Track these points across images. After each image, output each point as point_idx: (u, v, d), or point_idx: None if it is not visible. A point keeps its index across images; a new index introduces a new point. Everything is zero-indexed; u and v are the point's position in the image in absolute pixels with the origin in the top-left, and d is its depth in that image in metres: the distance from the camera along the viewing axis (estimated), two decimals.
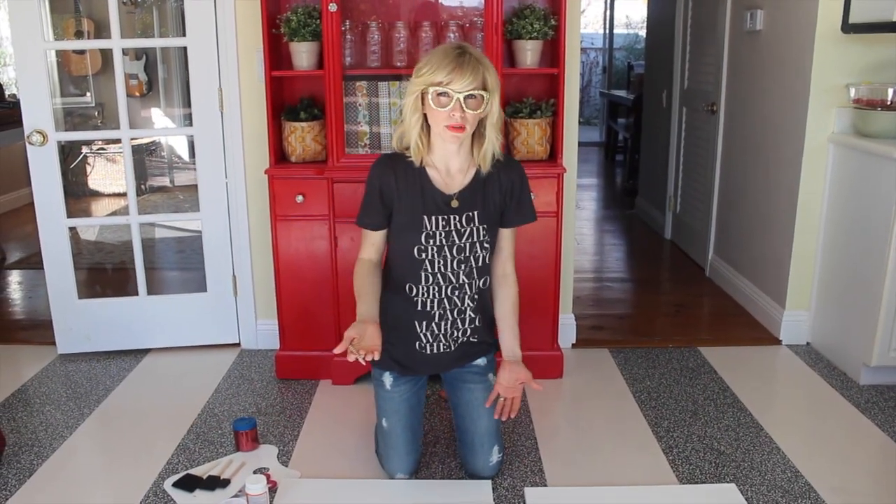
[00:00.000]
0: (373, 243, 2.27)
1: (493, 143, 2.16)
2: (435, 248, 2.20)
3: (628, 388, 3.05)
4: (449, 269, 2.22)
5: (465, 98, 2.04)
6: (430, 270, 2.21)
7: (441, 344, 2.30)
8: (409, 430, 2.36)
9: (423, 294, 2.24)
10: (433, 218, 2.19)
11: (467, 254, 2.22)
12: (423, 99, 2.09)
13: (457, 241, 2.21)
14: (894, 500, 2.29)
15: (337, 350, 2.01)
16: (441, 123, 2.08)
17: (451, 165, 2.21)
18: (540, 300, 2.99)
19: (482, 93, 2.05)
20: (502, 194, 2.25)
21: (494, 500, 2.29)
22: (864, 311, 3.01)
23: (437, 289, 2.23)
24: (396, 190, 2.19)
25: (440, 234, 2.19)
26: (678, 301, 4.13)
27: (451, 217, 2.20)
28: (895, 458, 2.54)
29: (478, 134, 2.17)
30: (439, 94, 2.05)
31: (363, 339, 2.04)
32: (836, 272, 3.24)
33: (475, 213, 2.21)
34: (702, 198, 4.62)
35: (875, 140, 2.99)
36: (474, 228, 2.21)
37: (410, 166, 2.19)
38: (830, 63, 3.17)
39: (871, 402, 2.91)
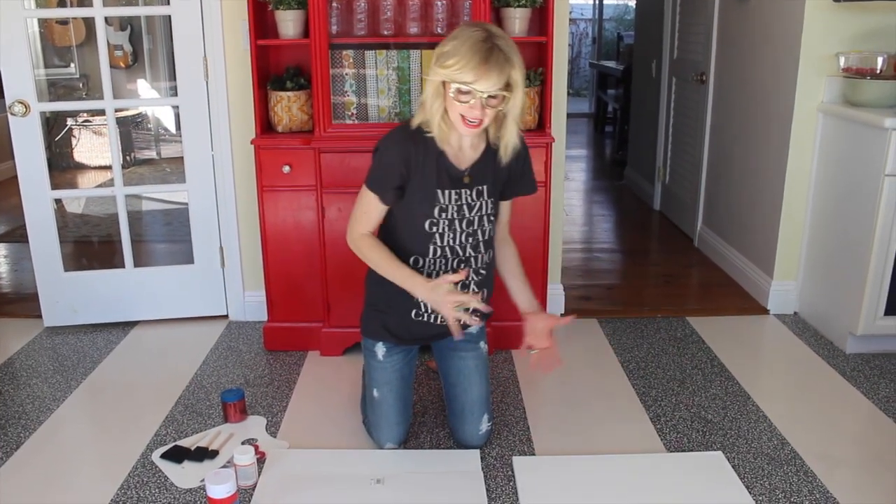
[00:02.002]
0: (376, 219, 2.23)
1: (514, 136, 2.14)
2: (446, 222, 2.19)
3: (616, 358, 3.06)
4: (457, 243, 2.22)
5: (488, 97, 2.00)
6: (438, 243, 2.21)
7: (439, 316, 2.27)
8: (400, 401, 2.36)
9: (428, 266, 2.23)
10: (446, 192, 2.17)
11: (475, 227, 2.22)
12: (444, 85, 2.03)
13: (467, 215, 2.20)
14: (879, 466, 2.32)
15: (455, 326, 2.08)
16: (457, 113, 2.03)
17: (463, 142, 2.18)
18: (528, 270, 2.94)
19: (505, 93, 2.01)
20: (508, 169, 2.24)
21: (483, 469, 2.30)
22: (851, 281, 3.02)
23: (443, 261, 2.23)
24: (416, 162, 2.15)
25: (452, 208, 2.19)
26: (667, 271, 4.13)
27: (463, 191, 2.19)
28: (880, 425, 2.56)
29: (496, 119, 2.12)
30: (462, 92, 1.99)
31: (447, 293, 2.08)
32: (824, 242, 3.25)
33: (485, 187, 2.21)
34: (691, 168, 4.61)
35: (864, 109, 2.99)
36: (483, 202, 2.22)
37: (427, 141, 2.14)
38: (820, 31, 3.15)
39: (856, 370, 2.93)
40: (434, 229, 2.19)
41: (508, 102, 2.04)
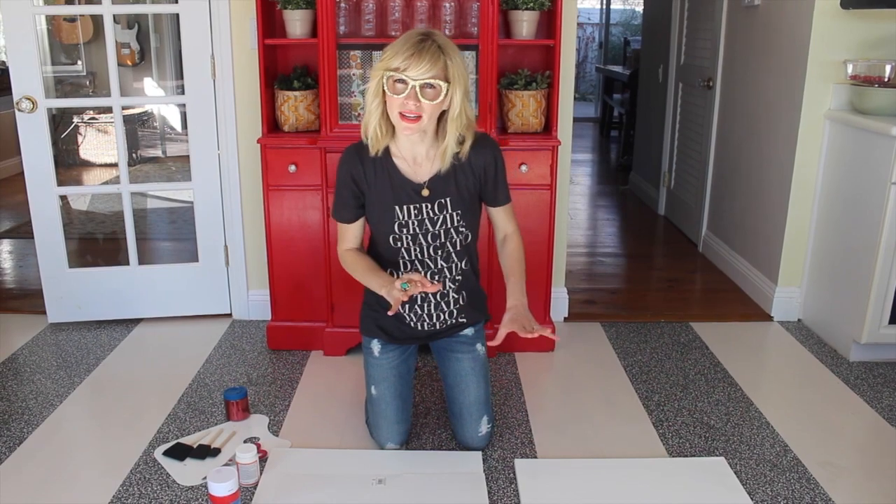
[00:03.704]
0: (354, 235, 2.27)
1: (452, 142, 2.10)
2: (409, 237, 2.19)
3: (619, 362, 3.05)
4: (426, 256, 2.21)
5: (422, 87, 1.98)
6: (406, 258, 2.21)
7: (426, 323, 2.30)
8: (398, 399, 2.36)
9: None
10: (405, 207, 2.17)
11: (443, 240, 2.21)
12: (383, 87, 2.04)
13: (431, 229, 2.19)
14: (881, 475, 2.31)
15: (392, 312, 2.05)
16: (395, 110, 2.02)
17: (416, 153, 2.17)
18: (533, 273, 2.97)
19: (440, 83, 1.99)
20: (476, 177, 2.21)
21: (485, 471, 2.30)
22: (855, 289, 3.02)
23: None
24: (366, 180, 2.17)
25: (413, 223, 2.18)
26: (671, 276, 4.13)
27: (423, 205, 2.17)
28: (883, 433, 2.55)
29: (441, 128, 2.12)
30: (396, 81, 1.99)
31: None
32: (829, 249, 3.24)
33: (447, 199, 2.18)
34: (696, 174, 4.61)
35: (871, 117, 2.98)
36: (447, 215, 2.19)
37: (378, 156, 2.16)
38: (828, 38, 3.15)
39: (860, 378, 2.92)
40: (398, 244, 2.19)
41: (445, 96, 2.02)
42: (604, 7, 11.16)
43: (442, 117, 2.09)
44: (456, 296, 2.29)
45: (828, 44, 3.15)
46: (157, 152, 6.02)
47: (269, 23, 2.92)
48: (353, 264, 2.24)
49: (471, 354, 2.35)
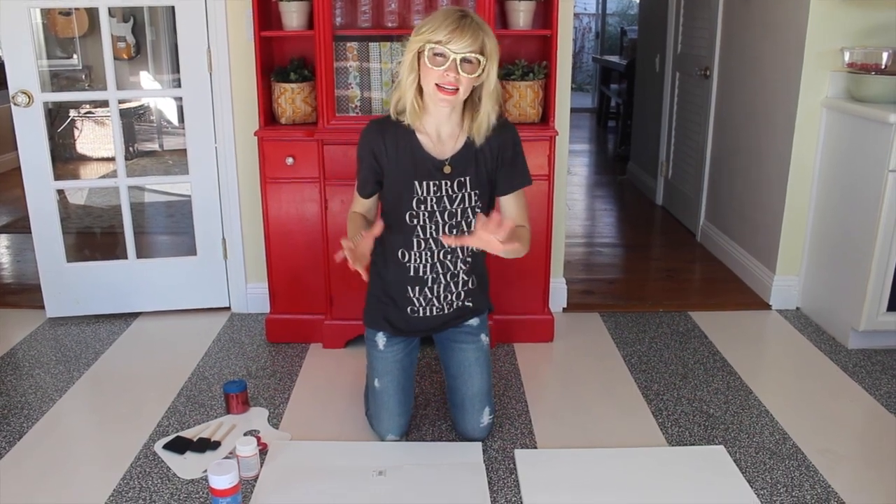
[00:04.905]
0: (363, 204, 2.30)
1: (488, 114, 2.13)
2: (426, 214, 2.19)
3: (618, 352, 3.06)
4: (441, 235, 2.21)
5: (462, 61, 2.02)
6: (421, 236, 2.21)
7: (434, 307, 2.30)
8: (401, 391, 2.36)
9: (415, 259, 2.23)
10: (424, 183, 2.17)
11: (458, 218, 2.21)
12: (419, 59, 2.07)
13: (448, 207, 2.20)
14: (880, 462, 2.32)
15: (338, 257, 1.99)
16: (432, 82, 2.05)
17: (441, 131, 2.19)
18: (531, 264, 2.98)
19: (479, 57, 2.03)
20: (494, 158, 2.22)
21: (485, 461, 2.30)
22: (853, 276, 3.02)
23: (429, 254, 2.23)
24: (387, 155, 2.18)
25: (431, 200, 2.18)
26: (669, 266, 4.13)
27: (443, 182, 2.18)
28: (881, 420, 2.56)
29: (471, 102, 2.15)
30: (436, 54, 2.02)
31: (358, 247, 2.03)
32: (827, 237, 3.24)
33: (467, 178, 2.20)
34: (694, 163, 4.61)
35: (868, 104, 2.98)
36: (466, 194, 2.20)
37: (401, 132, 2.18)
38: (825, 26, 3.14)
39: (858, 365, 2.93)
40: (415, 221, 2.19)
41: (483, 71, 2.05)
42: None
43: (470, 96, 2.12)
44: (466, 277, 2.30)
45: (825, 32, 3.15)
46: (154, 146, 6.00)
47: (266, 15, 2.91)
48: (351, 222, 2.27)
49: (475, 345, 2.36)
